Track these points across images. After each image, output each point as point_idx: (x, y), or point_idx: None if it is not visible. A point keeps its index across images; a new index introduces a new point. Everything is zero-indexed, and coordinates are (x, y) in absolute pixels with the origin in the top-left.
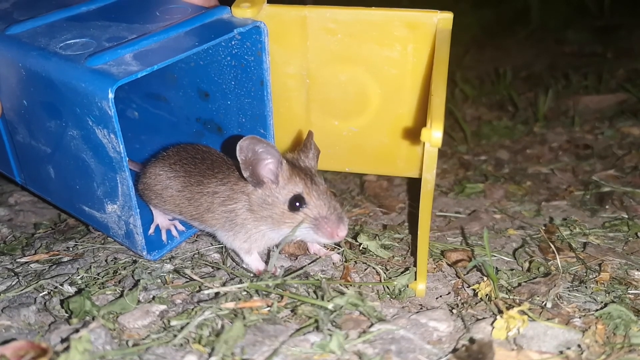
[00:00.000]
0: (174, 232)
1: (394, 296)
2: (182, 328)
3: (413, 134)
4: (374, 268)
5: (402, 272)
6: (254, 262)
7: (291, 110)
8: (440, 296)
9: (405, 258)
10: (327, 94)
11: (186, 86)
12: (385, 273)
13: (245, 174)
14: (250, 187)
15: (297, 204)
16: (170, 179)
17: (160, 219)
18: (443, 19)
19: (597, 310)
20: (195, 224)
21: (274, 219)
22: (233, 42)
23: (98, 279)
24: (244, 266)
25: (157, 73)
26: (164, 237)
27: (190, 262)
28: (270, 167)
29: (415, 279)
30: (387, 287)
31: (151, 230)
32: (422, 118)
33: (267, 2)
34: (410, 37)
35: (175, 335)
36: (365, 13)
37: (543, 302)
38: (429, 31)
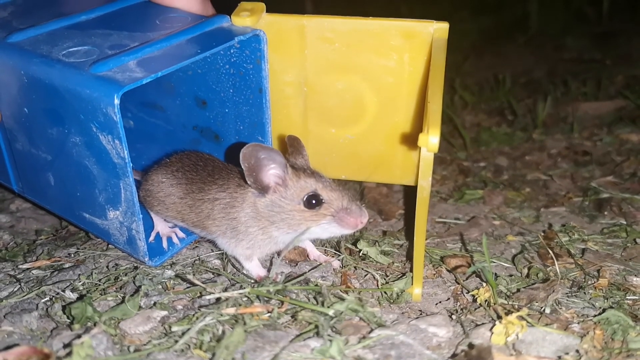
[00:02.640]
0: (175, 240)
1: (391, 301)
2: (183, 334)
3: (409, 142)
4: (372, 275)
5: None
6: (254, 268)
7: (289, 118)
8: (440, 302)
9: (404, 264)
10: (324, 102)
11: (183, 94)
12: (385, 279)
13: (250, 181)
14: (250, 194)
15: (314, 201)
16: (172, 186)
17: (161, 226)
18: (439, 29)
19: (595, 315)
20: (197, 231)
21: (292, 221)
22: (232, 51)
23: (99, 285)
24: (245, 272)
25: (153, 82)
26: (164, 244)
27: (191, 268)
28: (275, 172)
29: (412, 284)
30: (385, 292)
31: (151, 238)
32: (418, 126)
33: (266, 11)
34: (407, 47)
35: (176, 341)
36: (363, 23)
37: (542, 307)
38: (425, 40)
